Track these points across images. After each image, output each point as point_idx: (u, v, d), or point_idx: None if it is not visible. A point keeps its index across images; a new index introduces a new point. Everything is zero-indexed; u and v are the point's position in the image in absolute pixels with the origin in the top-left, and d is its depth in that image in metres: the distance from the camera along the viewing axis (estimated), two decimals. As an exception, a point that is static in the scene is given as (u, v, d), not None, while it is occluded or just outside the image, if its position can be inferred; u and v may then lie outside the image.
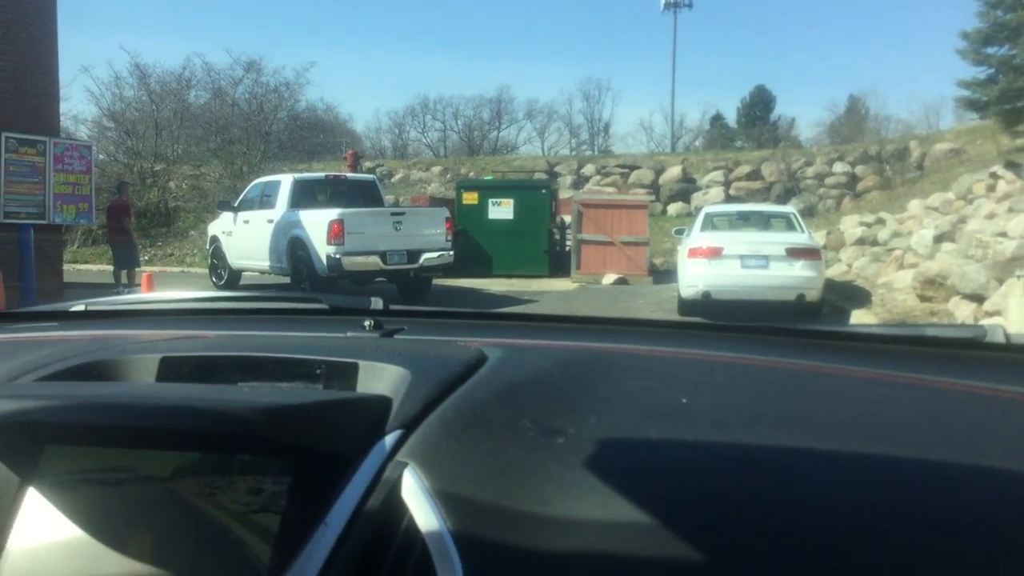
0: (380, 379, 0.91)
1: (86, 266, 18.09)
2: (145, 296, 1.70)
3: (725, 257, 10.87)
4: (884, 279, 13.50)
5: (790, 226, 12.13)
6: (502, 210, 16.81)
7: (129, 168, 21.99)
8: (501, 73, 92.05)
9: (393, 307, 1.56)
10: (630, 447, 0.76)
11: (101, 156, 22.65)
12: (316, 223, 11.98)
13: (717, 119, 42.25)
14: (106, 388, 0.91)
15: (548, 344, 1.17)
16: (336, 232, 11.71)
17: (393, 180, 24.85)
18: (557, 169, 24.65)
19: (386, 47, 77.01)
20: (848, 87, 76.17)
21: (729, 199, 21.60)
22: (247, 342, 1.15)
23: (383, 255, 12.04)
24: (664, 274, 15.83)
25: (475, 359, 0.97)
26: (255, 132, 22.72)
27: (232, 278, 14.34)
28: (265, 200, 13.44)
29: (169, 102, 23.93)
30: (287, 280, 12.76)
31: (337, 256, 11.67)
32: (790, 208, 13.38)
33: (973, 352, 1.12)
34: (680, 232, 13.26)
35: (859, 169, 22.12)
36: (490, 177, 21.12)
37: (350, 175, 14.79)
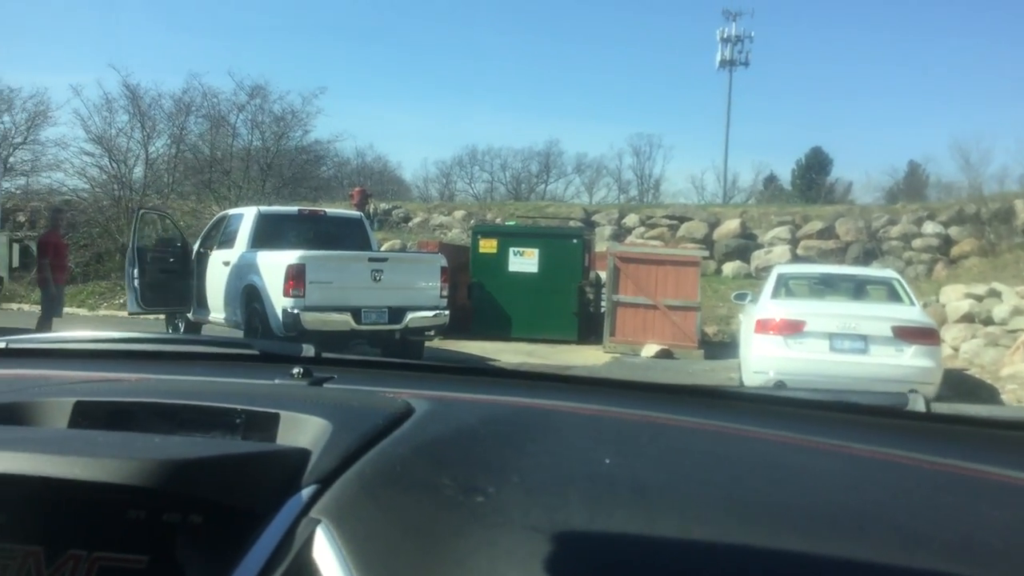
0: (301, 431, 0.89)
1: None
2: (69, 335, 1.50)
3: (808, 335, 8.11)
4: (1010, 370, 10.45)
5: (894, 296, 9.13)
6: (525, 261, 14.00)
7: (116, 201, 19.66)
8: (551, 127, 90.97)
9: (325, 355, 1.53)
10: (549, 509, 0.74)
11: (86, 187, 20.43)
12: (272, 268, 9.41)
13: (771, 180, 39.97)
14: (9, 433, 0.87)
15: (478, 398, 1.17)
16: (295, 280, 9.09)
17: (411, 224, 22.28)
18: (595, 218, 21.69)
19: (437, 98, 76.27)
20: (907, 154, 72.64)
21: (796, 259, 18.40)
22: (168, 387, 1.16)
23: (356, 312, 9.44)
24: (718, 347, 12.90)
25: (400, 412, 0.97)
26: (255, 164, 20.23)
27: (190, 330, 11.82)
28: (226, 237, 10.89)
29: (164, 127, 21.55)
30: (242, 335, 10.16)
31: (295, 311, 9.06)
32: (892, 272, 10.26)
33: (895, 420, 1.15)
34: (742, 297, 10.28)
35: (953, 231, 18.75)
36: (513, 222, 18.21)
37: (330, 211, 12.14)
